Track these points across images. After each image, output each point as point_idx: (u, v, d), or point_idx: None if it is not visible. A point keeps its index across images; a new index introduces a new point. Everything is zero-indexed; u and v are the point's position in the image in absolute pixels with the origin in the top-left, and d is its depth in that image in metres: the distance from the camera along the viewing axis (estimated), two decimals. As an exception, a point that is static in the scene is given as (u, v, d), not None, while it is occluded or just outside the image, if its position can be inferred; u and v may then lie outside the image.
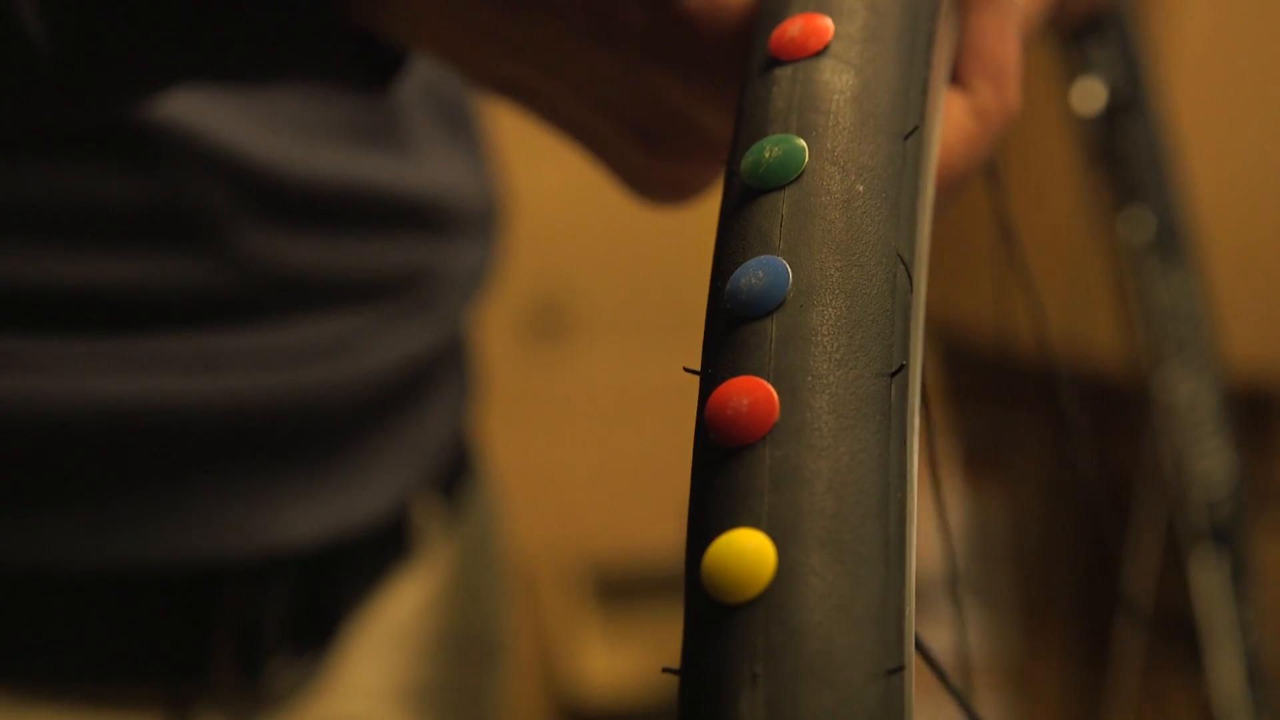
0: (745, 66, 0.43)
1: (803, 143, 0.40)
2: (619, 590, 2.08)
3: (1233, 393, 2.17)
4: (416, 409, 0.82)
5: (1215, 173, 2.09)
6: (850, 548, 0.34)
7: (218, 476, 0.73)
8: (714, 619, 0.34)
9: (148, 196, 0.69)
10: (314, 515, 0.76)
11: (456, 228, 0.83)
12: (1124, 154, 0.84)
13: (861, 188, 0.39)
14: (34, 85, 0.54)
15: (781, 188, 0.39)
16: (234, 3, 0.53)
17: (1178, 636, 2.30)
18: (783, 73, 0.42)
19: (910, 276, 0.39)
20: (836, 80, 0.41)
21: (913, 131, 0.41)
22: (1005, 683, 2.47)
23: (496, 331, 0.87)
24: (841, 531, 0.34)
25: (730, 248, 0.39)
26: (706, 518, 0.35)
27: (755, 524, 0.34)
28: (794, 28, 0.42)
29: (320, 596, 0.79)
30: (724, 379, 0.36)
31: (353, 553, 0.80)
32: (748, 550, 0.33)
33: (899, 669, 0.33)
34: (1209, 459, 0.86)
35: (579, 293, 1.83)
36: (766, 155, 0.40)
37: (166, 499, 0.72)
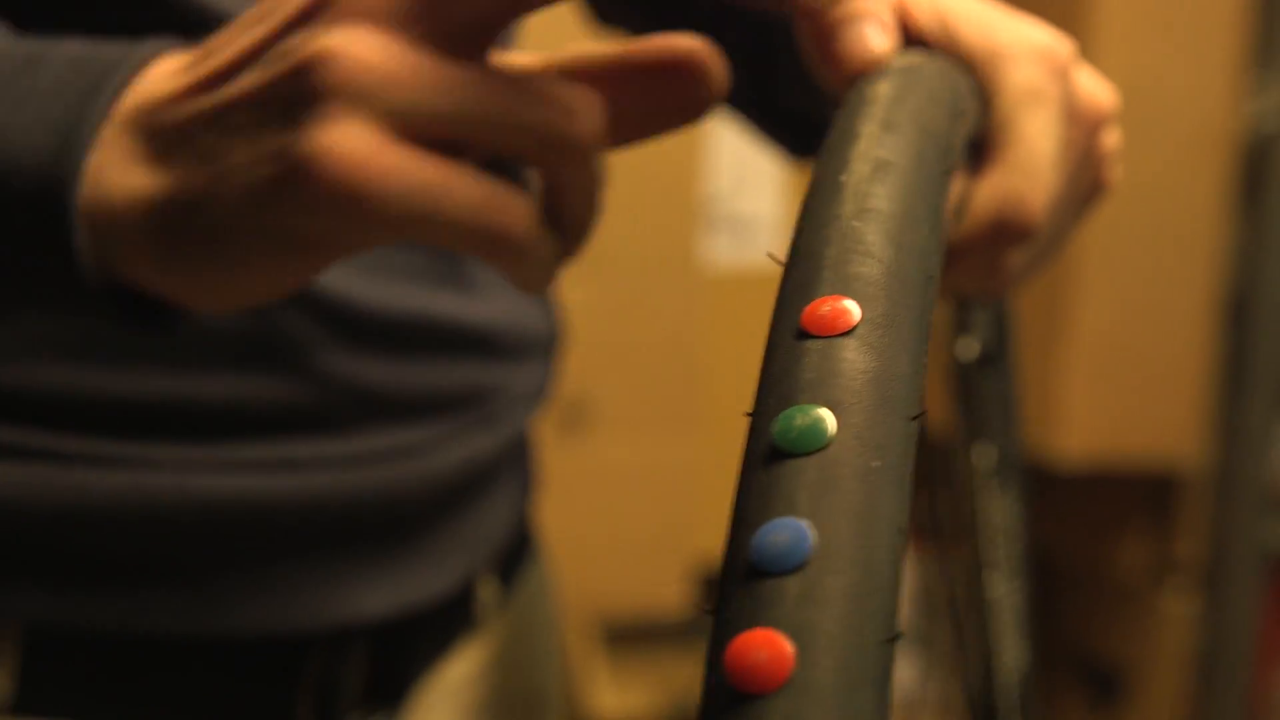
0: (774, 330, 0.42)
1: (830, 415, 0.38)
2: (626, 638, 2.07)
3: (1140, 478, 2.15)
4: (479, 502, 0.80)
5: (1107, 297, 2.09)
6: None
7: (302, 560, 0.72)
8: None
9: (246, 326, 0.68)
10: (385, 594, 0.74)
11: (517, 352, 0.81)
12: (982, 397, 0.89)
13: (878, 463, 0.37)
14: None
15: (809, 454, 0.37)
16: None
17: (1098, 687, 2.28)
18: (812, 346, 0.40)
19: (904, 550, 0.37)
20: (861, 361, 0.40)
21: (918, 415, 0.40)
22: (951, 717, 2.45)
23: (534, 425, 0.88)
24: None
25: (756, 503, 0.37)
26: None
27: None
28: (824, 307, 0.41)
29: (392, 663, 0.77)
30: (745, 628, 0.34)
31: (421, 625, 0.78)
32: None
33: None
34: (1010, 651, 0.90)
35: (596, 393, 1.83)
36: (796, 423, 0.38)
37: (258, 579, 0.71)
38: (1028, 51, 0.60)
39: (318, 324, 0.70)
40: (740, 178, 2.31)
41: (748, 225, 2.23)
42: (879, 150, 0.47)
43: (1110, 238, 2.06)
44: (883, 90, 0.51)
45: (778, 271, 0.45)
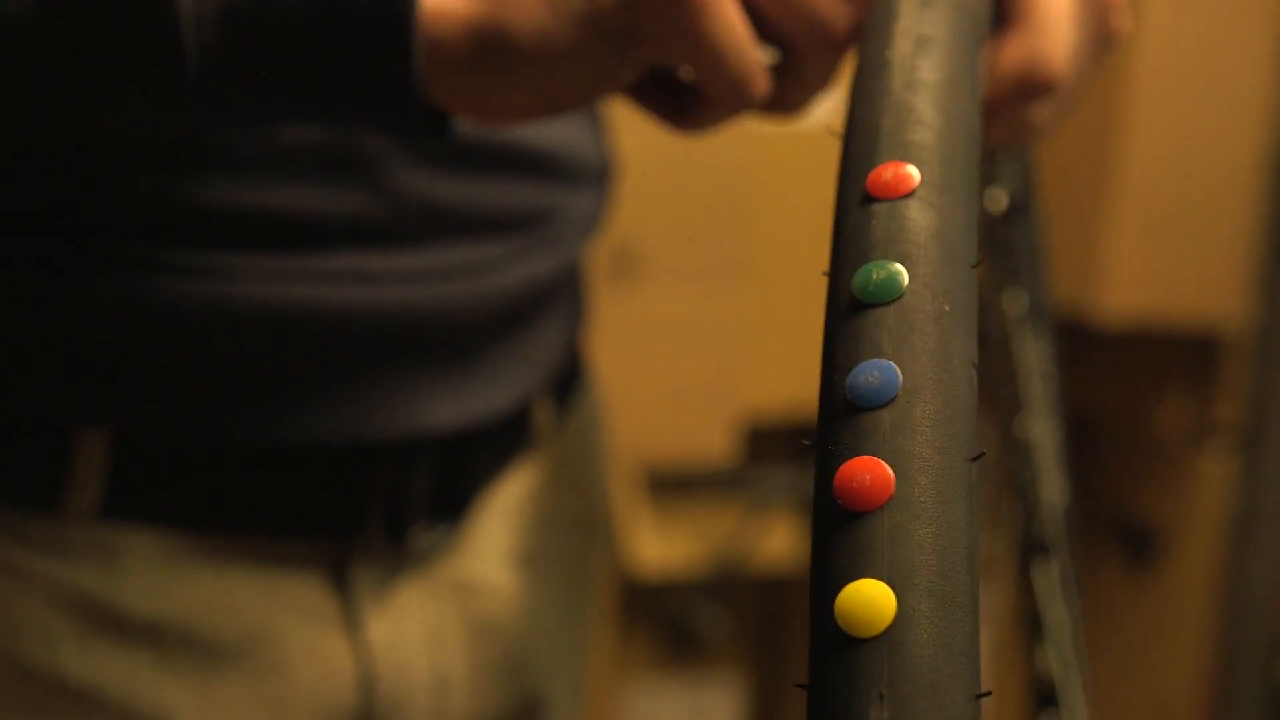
0: (842, 196, 0.46)
1: (903, 269, 0.42)
2: (669, 487, 2.09)
3: (1182, 338, 2.15)
4: (537, 323, 0.83)
5: (1155, 153, 2.08)
6: (951, 598, 0.37)
7: (373, 371, 0.75)
8: (844, 650, 0.36)
9: (323, 139, 0.70)
10: (451, 406, 0.77)
11: (575, 178, 0.84)
12: (1012, 246, 0.94)
13: (948, 307, 0.42)
14: (176, 92, 0.58)
15: (887, 304, 0.42)
16: (340, 81, 0.59)
17: (1136, 546, 2.29)
18: (879, 208, 0.44)
19: (975, 374, 0.42)
20: (924, 219, 0.44)
21: (977, 263, 0.44)
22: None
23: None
24: (944, 585, 0.37)
25: (845, 350, 0.42)
26: (836, 567, 0.38)
27: (879, 576, 0.37)
28: (887, 173, 0.45)
29: (456, 475, 0.80)
30: (848, 456, 0.39)
31: (483, 440, 0.81)
32: (874, 597, 0.36)
33: (986, 694, 0.36)
34: (1050, 488, 0.93)
35: (646, 241, 1.84)
36: (874, 277, 0.42)
37: (332, 389, 0.73)
38: None
39: (390, 140, 0.72)
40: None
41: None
42: (920, 26, 0.52)
43: (1157, 95, 2.05)
44: None
45: (830, 127, 0.51)
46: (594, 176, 0.87)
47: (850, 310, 0.42)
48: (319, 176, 0.71)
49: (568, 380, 0.91)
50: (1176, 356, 2.27)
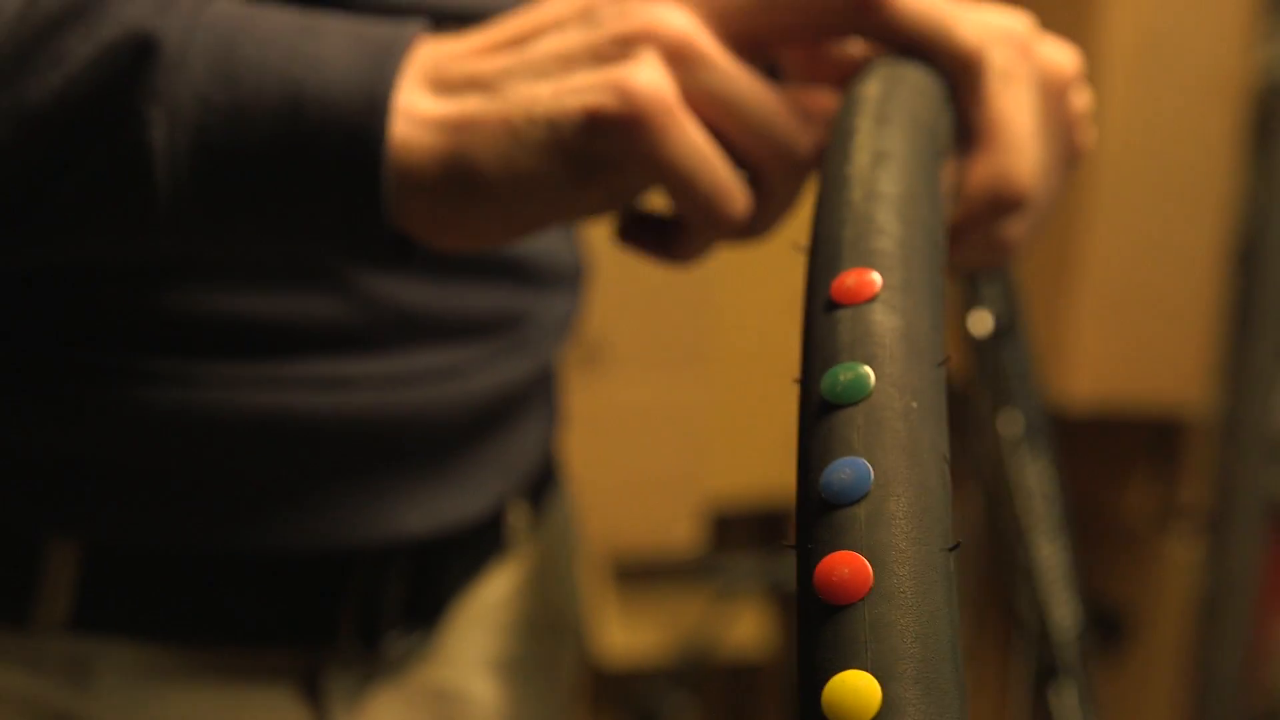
0: (808, 305, 0.48)
1: (869, 369, 0.44)
2: (635, 576, 2.09)
3: (1146, 422, 2.16)
4: (511, 428, 0.83)
5: (1119, 239, 2.09)
6: (936, 684, 0.37)
7: (348, 478, 0.74)
8: None
9: None
10: (425, 513, 0.77)
11: (548, 281, 0.84)
12: (1002, 368, 0.95)
13: (915, 404, 0.43)
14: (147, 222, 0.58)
15: (856, 404, 0.43)
16: (310, 211, 0.59)
17: (1104, 632, 2.30)
18: (844, 314, 0.46)
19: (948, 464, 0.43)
20: (888, 321, 0.45)
21: (944, 361, 0.46)
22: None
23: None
24: (929, 672, 0.37)
25: (817, 450, 0.43)
26: (821, 660, 0.38)
27: (862, 666, 0.37)
28: (850, 279, 0.47)
29: (430, 581, 0.80)
30: (826, 552, 0.40)
31: (457, 546, 0.81)
32: (859, 688, 0.37)
33: None
34: (1061, 610, 0.94)
35: (612, 332, 1.84)
36: (841, 378, 0.44)
37: (305, 496, 0.73)
38: (994, 37, 0.64)
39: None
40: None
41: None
42: (878, 142, 0.53)
43: (1120, 183, 2.07)
44: (873, 89, 0.58)
45: (795, 242, 0.52)
46: (567, 279, 0.87)
47: (820, 412, 0.44)
48: (292, 283, 0.71)
49: (542, 482, 0.91)
50: (1140, 441, 2.28)
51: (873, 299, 0.46)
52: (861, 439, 0.42)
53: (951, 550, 0.41)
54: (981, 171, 0.63)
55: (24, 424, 0.69)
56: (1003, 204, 0.64)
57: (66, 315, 0.68)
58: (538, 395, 0.87)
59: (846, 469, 0.42)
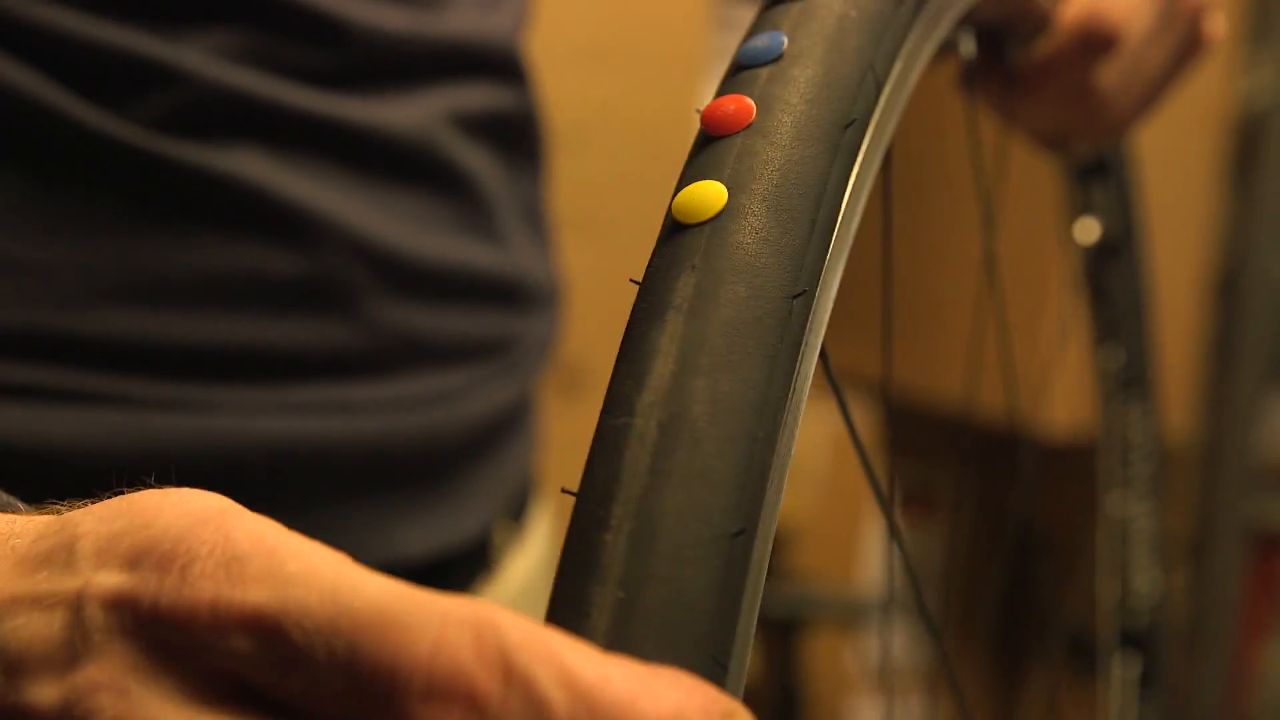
0: None
1: None
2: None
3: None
4: (501, 449, 0.84)
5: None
6: (784, 208, 0.39)
7: (351, 501, 0.75)
8: (673, 234, 0.40)
9: (303, 272, 0.71)
10: (425, 534, 0.78)
11: (533, 304, 0.86)
12: (1107, 291, 0.84)
13: (854, 13, 0.45)
14: None
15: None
16: None
17: (1079, 656, 2.29)
18: None
19: (877, 81, 0.44)
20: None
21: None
22: (931, 685, 2.47)
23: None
24: (780, 195, 0.39)
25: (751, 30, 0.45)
26: (687, 175, 0.41)
27: (719, 178, 0.40)
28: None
29: None
30: (722, 95, 0.42)
31: (449, 567, 0.82)
32: (707, 192, 0.39)
33: (802, 293, 0.38)
34: (1142, 576, 0.87)
35: (594, 358, 1.84)
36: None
37: (311, 519, 0.74)
38: None
39: (369, 272, 0.73)
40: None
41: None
42: None
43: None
44: None
45: None
46: (548, 301, 0.89)
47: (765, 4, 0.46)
48: (300, 309, 0.72)
49: (524, 504, 0.92)
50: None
51: None
52: (790, 22, 0.44)
53: (847, 128, 0.42)
54: (1074, 6, 0.64)
55: (29, 449, 0.68)
56: (1094, 40, 0.64)
57: (73, 339, 0.68)
58: (523, 416, 0.89)
59: (764, 38, 0.43)
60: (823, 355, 0.41)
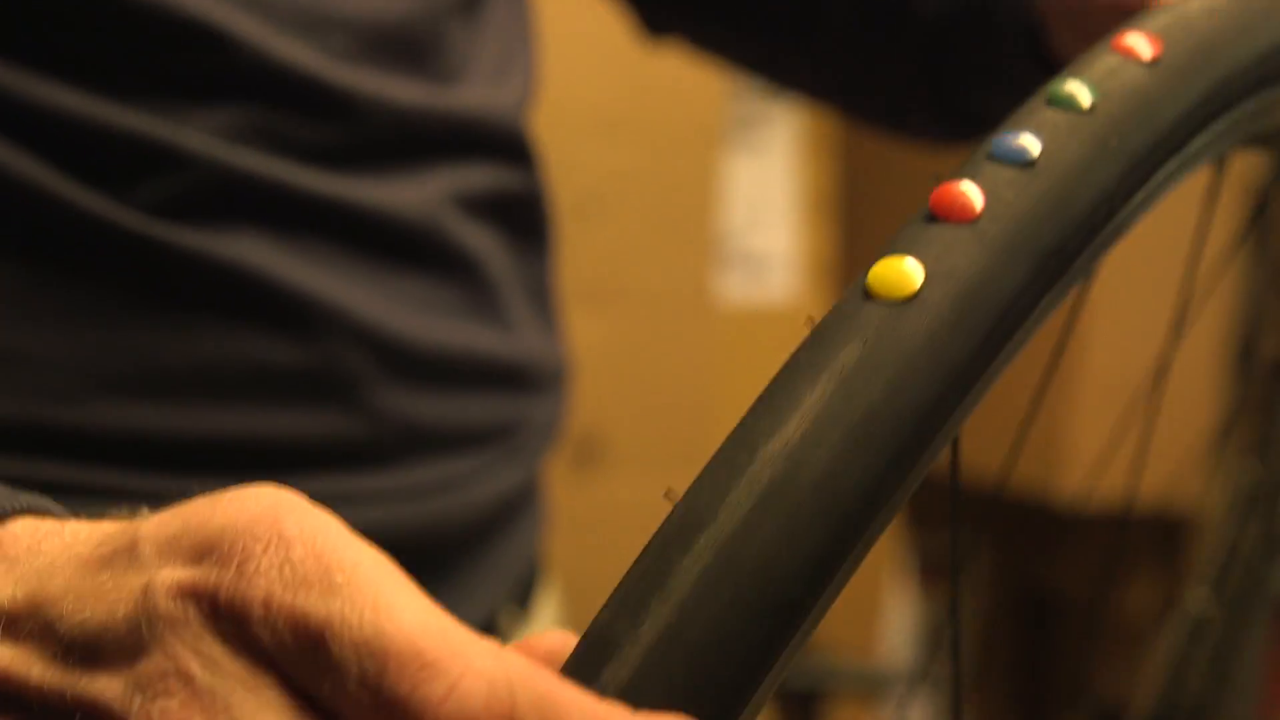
0: None
1: (1092, 90, 0.46)
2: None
3: (1147, 520, 2.15)
4: (506, 535, 0.83)
5: (1128, 331, 2.09)
6: (968, 314, 0.39)
7: None
8: (860, 299, 0.40)
9: (305, 362, 0.70)
10: None
11: (540, 387, 0.85)
12: (1276, 411, 0.82)
13: (1115, 142, 0.45)
14: None
15: (1067, 110, 0.45)
16: None
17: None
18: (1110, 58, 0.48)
19: (1111, 211, 0.45)
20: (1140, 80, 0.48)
21: (1166, 140, 0.47)
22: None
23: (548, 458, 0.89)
24: (968, 304, 0.40)
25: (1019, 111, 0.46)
26: (895, 245, 0.41)
27: (923, 262, 0.40)
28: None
29: None
30: (962, 178, 0.43)
31: None
32: (906, 274, 0.40)
33: (949, 396, 0.39)
34: (1195, 676, 0.86)
35: (608, 429, 1.83)
36: (1070, 89, 0.46)
37: None
38: None
39: (372, 360, 0.72)
40: (754, 214, 2.31)
41: (761, 262, 2.24)
42: None
43: (1121, 279, 2.06)
44: None
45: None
46: (554, 382, 0.88)
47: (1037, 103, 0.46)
48: (300, 400, 0.71)
49: (529, 587, 0.91)
50: (1141, 538, 2.26)
51: (1145, 61, 0.48)
52: (1050, 131, 0.44)
53: (1056, 254, 0.42)
54: None
55: None
56: None
57: (71, 435, 0.67)
58: (529, 500, 0.87)
59: (1025, 138, 0.43)
60: (953, 445, 0.43)
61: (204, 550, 0.39)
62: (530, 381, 0.83)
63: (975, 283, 0.40)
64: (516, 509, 0.84)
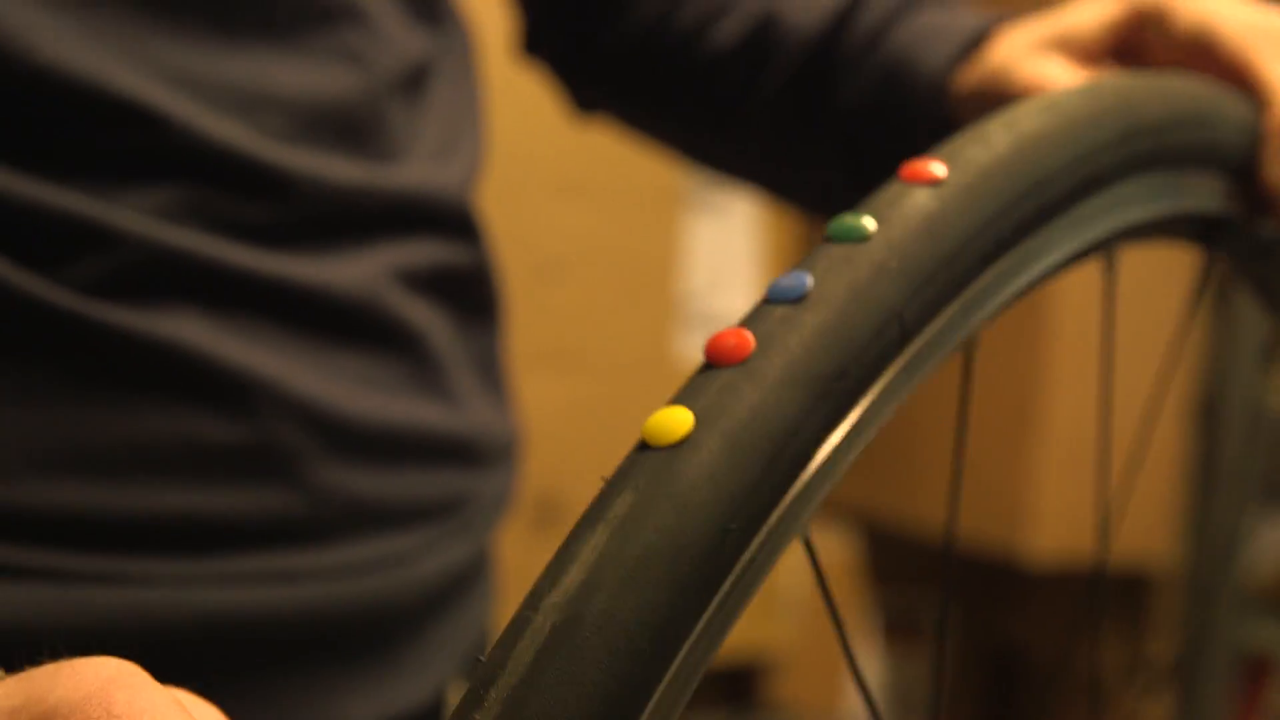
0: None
1: (872, 221, 0.46)
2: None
3: (1112, 577, 2.15)
4: (454, 611, 0.82)
5: (1077, 397, 2.09)
6: (743, 448, 0.40)
7: (292, 670, 0.73)
8: (635, 452, 0.41)
9: (242, 439, 0.69)
10: (372, 704, 0.75)
11: (488, 460, 0.84)
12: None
13: (895, 265, 0.45)
14: None
15: (843, 242, 0.46)
16: None
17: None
18: (895, 185, 0.49)
19: (904, 331, 0.45)
20: (920, 202, 0.47)
21: (959, 253, 0.48)
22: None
23: (505, 521, 0.89)
24: (744, 436, 0.40)
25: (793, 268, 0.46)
26: (674, 398, 0.42)
27: (693, 408, 0.41)
28: (918, 168, 0.49)
29: None
30: (731, 327, 0.43)
31: None
32: (676, 419, 0.40)
33: (732, 529, 0.39)
34: None
35: (569, 491, 1.82)
36: (848, 221, 0.46)
37: (249, 691, 0.71)
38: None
39: (311, 436, 0.71)
40: (716, 275, 2.31)
41: (723, 322, 2.23)
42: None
43: (1080, 338, 2.07)
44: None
45: None
46: (504, 456, 0.87)
47: (822, 242, 0.47)
48: (238, 476, 0.70)
49: (479, 656, 0.88)
50: (1108, 596, 2.26)
51: (929, 184, 0.48)
52: (825, 265, 0.45)
53: (837, 381, 0.43)
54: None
55: None
56: None
57: (3, 513, 0.66)
58: (478, 574, 0.86)
59: (793, 277, 0.44)
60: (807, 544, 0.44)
61: None
62: (478, 455, 0.82)
63: (745, 417, 0.41)
64: (465, 583, 0.83)
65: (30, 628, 0.66)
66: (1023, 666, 2.37)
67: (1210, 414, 2.17)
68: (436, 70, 0.84)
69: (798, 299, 0.44)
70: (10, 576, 0.66)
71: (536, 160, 1.94)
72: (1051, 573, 2.14)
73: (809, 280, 0.44)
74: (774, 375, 0.42)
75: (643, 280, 2.07)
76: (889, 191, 0.48)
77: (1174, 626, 2.22)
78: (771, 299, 0.44)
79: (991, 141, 0.51)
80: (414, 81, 0.81)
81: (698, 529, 0.39)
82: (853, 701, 2.44)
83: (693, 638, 0.39)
